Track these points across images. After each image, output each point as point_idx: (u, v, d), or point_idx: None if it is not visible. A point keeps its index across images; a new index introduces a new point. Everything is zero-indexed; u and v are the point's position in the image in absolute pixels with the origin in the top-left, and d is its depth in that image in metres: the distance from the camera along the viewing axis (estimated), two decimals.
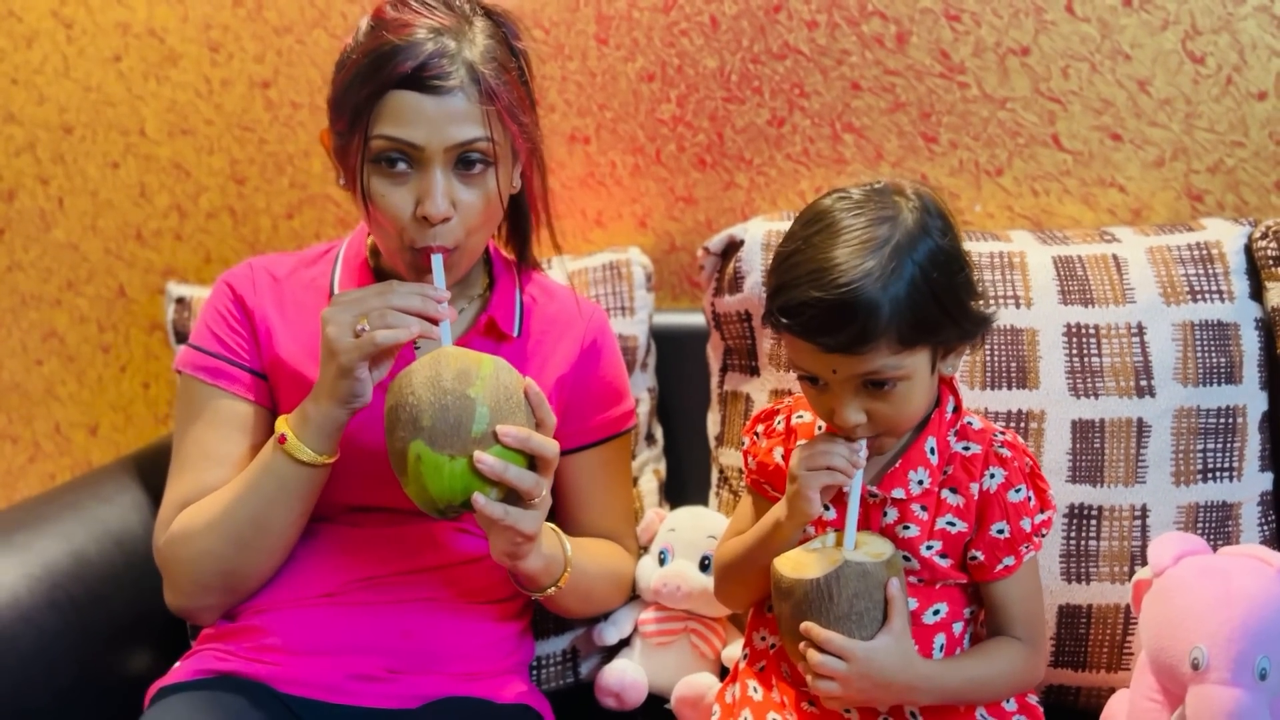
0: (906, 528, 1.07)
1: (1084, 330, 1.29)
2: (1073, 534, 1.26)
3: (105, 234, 1.85)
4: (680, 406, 1.54)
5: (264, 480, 1.11)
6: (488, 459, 0.99)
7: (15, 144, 1.85)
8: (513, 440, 1.00)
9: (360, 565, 1.18)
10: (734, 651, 1.30)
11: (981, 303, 1.06)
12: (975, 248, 1.36)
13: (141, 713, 1.12)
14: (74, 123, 1.82)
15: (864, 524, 1.07)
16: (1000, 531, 1.06)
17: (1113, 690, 1.23)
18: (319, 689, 1.13)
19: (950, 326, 1.02)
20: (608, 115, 1.65)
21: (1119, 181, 1.53)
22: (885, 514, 1.07)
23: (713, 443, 1.48)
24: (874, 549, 1.04)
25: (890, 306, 0.97)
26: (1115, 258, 1.34)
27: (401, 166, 1.09)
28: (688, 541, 1.34)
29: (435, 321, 1.07)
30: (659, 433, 1.52)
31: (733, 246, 1.43)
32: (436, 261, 1.10)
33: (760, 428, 1.18)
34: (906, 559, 1.07)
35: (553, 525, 1.18)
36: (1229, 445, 1.28)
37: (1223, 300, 1.30)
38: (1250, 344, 1.30)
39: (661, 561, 1.34)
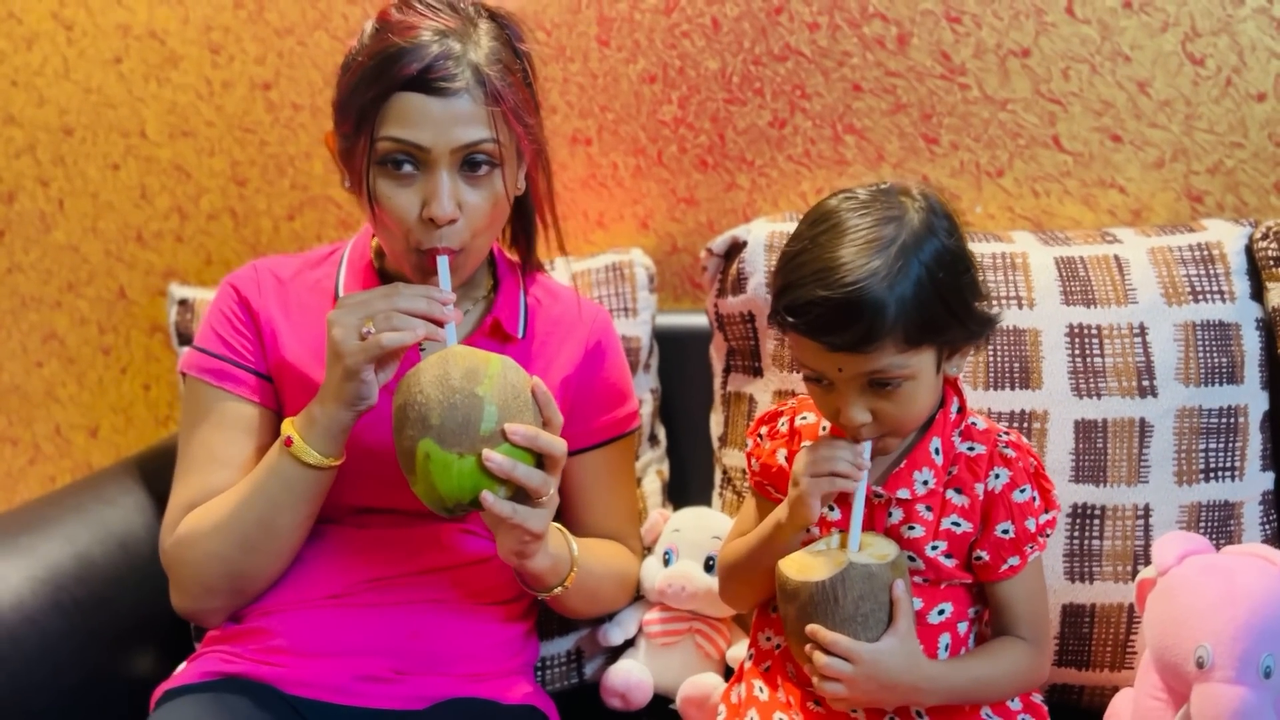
0: (911, 528, 1.07)
1: (1086, 331, 1.30)
2: (1076, 534, 1.27)
3: (106, 236, 1.85)
4: (682, 407, 1.54)
5: (270, 483, 1.11)
6: (496, 457, 0.99)
7: (15, 146, 1.85)
8: (521, 438, 1.00)
9: (366, 567, 1.18)
10: (738, 652, 1.31)
11: (986, 303, 1.06)
12: (977, 249, 1.35)
13: (147, 715, 1.12)
14: (74, 124, 1.82)
15: (869, 525, 1.08)
16: (1005, 532, 1.07)
17: (1116, 689, 1.24)
18: (325, 690, 1.13)
19: (956, 327, 1.02)
20: (609, 117, 1.66)
21: (1119, 182, 1.53)
22: (890, 514, 1.08)
23: (716, 443, 1.48)
24: (879, 550, 1.04)
25: (896, 306, 0.97)
26: (1117, 258, 1.34)
27: (407, 168, 1.09)
28: (692, 542, 1.34)
29: (440, 324, 1.07)
30: (662, 433, 1.53)
31: (736, 248, 1.43)
32: (442, 263, 1.10)
33: (764, 429, 1.18)
34: (911, 559, 1.07)
35: (559, 525, 1.18)
36: (1231, 445, 1.29)
37: (1224, 301, 1.31)
38: (1251, 344, 1.31)
39: (666, 562, 1.34)
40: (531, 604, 1.27)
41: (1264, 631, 1.03)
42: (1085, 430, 1.27)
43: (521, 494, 1.03)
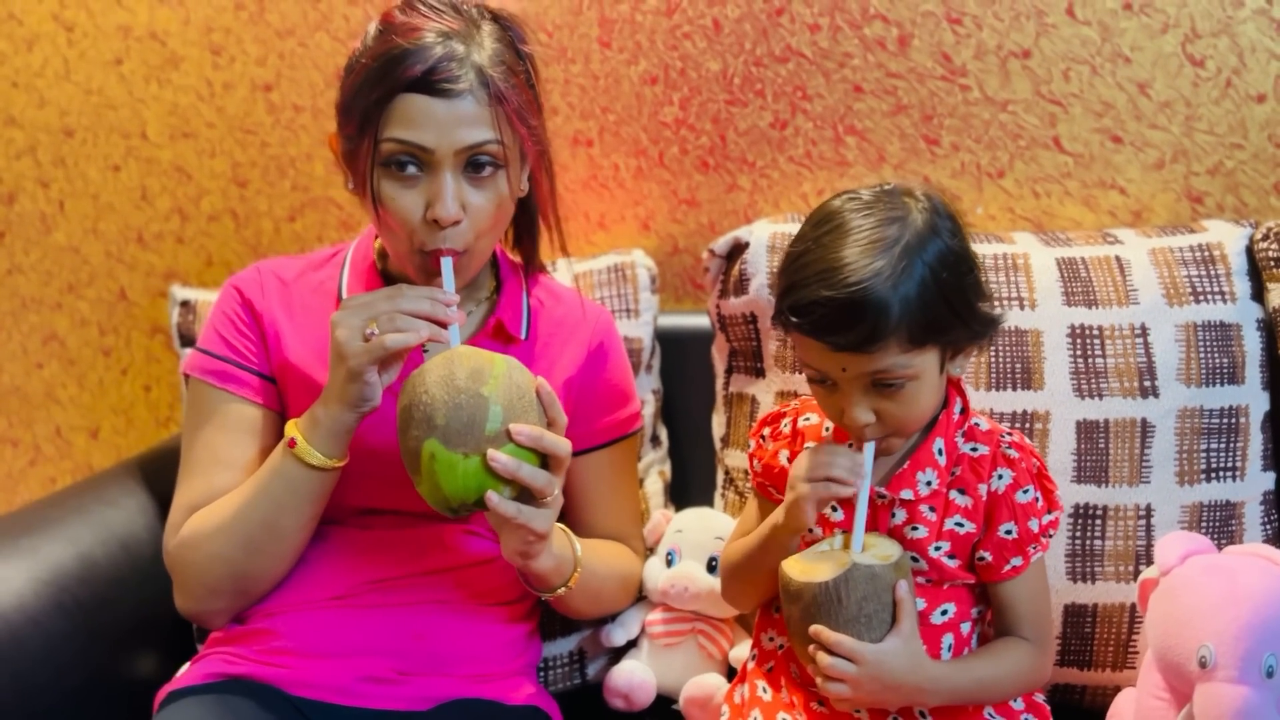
0: (915, 529, 1.07)
1: (1088, 331, 1.30)
2: (1078, 534, 1.27)
3: (106, 237, 1.84)
4: (684, 408, 1.54)
5: (274, 484, 1.12)
6: (501, 457, 0.99)
7: (16, 147, 1.85)
8: (526, 439, 1.01)
9: (370, 568, 1.18)
10: (741, 652, 1.31)
11: (989, 304, 1.06)
12: (979, 249, 1.35)
13: (149, 716, 1.12)
14: (75, 126, 1.82)
15: (872, 525, 1.08)
16: (1008, 532, 1.07)
17: (1118, 689, 1.24)
18: (329, 691, 1.13)
19: (959, 327, 1.03)
20: (610, 118, 1.66)
21: (1119, 183, 1.54)
22: (893, 515, 1.08)
23: (718, 444, 1.48)
24: (882, 551, 1.04)
25: (900, 306, 0.98)
26: (1118, 259, 1.34)
27: (411, 170, 1.09)
28: (695, 543, 1.34)
29: (444, 325, 1.07)
30: (663, 434, 1.53)
31: (738, 249, 1.43)
32: (446, 264, 1.10)
33: (767, 430, 1.18)
34: (915, 560, 1.07)
35: (562, 526, 1.18)
36: (1232, 445, 1.29)
37: (1225, 301, 1.31)
38: (1252, 345, 1.31)
39: (669, 563, 1.35)
40: (534, 605, 1.27)
41: (1267, 631, 1.03)
42: (1087, 431, 1.28)
43: (526, 494, 1.03)
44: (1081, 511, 1.27)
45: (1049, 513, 1.09)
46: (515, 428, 1.00)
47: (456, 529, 1.21)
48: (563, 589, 1.16)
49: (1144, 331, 1.29)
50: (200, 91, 1.77)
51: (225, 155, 1.78)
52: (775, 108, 1.61)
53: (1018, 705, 1.10)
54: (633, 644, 1.36)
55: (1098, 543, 1.27)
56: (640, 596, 1.36)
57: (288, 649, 1.14)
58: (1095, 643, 1.28)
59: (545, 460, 1.03)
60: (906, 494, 1.07)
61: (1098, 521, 1.27)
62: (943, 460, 1.08)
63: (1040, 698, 1.14)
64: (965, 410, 1.11)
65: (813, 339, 1.00)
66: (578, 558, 1.17)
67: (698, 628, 1.34)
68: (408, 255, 1.13)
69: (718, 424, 1.48)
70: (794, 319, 1.00)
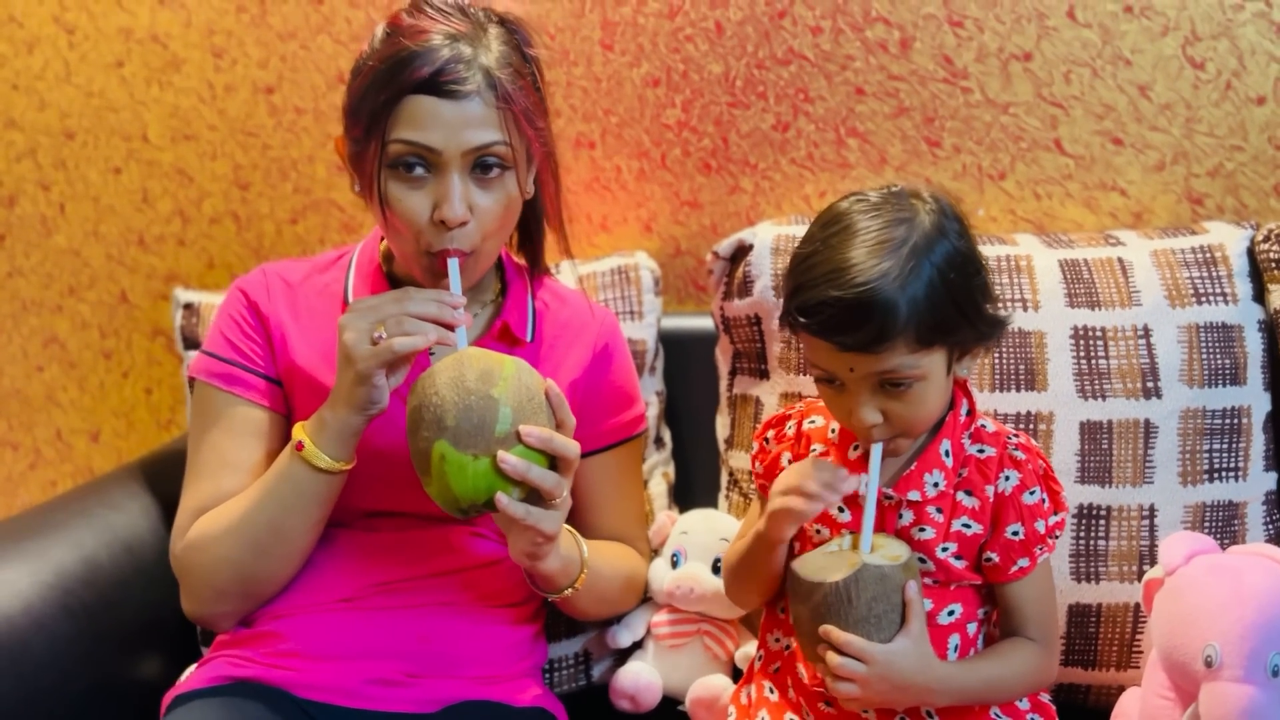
0: (922, 530, 1.08)
1: (1091, 333, 1.31)
2: (1082, 534, 1.28)
3: (107, 240, 1.84)
4: (688, 409, 1.55)
5: (281, 487, 1.12)
6: (511, 459, 0.99)
7: (16, 149, 1.84)
8: (535, 440, 1.01)
9: (377, 570, 1.18)
10: (747, 653, 1.31)
11: (996, 305, 1.07)
12: (982, 251, 1.37)
13: (157, 719, 1.12)
14: (76, 128, 1.82)
15: (879, 526, 1.08)
16: (1015, 533, 1.07)
17: (1123, 689, 1.24)
18: (336, 694, 1.13)
19: (966, 328, 1.03)
20: (613, 120, 1.66)
21: (1120, 185, 1.54)
22: (901, 516, 1.08)
23: (722, 445, 1.48)
24: (890, 551, 1.05)
25: (908, 306, 0.98)
26: (1120, 261, 1.35)
27: (419, 171, 1.09)
28: (700, 544, 1.34)
29: (451, 327, 1.07)
30: (667, 436, 1.53)
31: (742, 251, 1.44)
32: (453, 265, 1.10)
33: (771, 433, 1.19)
34: (922, 561, 1.08)
35: (569, 527, 1.18)
36: (1234, 446, 1.30)
37: (1226, 303, 1.32)
38: (1254, 346, 1.32)
39: (674, 564, 1.35)
40: (540, 606, 1.27)
41: (1272, 630, 1.03)
42: (1090, 431, 1.28)
43: (534, 495, 1.03)
44: (1085, 512, 1.28)
45: (1055, 514, 1.09)
46: (525, 429, 1.00)
47: (463, 531, 1.21)
48: (569, 590, 1.16)
49: (1146, 333, 1.30)
50: (202, 94, 1.77)
51: (227, 158, 1.78)
52: (777, 110, 1.61)
53: (1023, 705, 1.11)
54: (638, 645, 1.37)
55: (1102, 543, 1.27)
56: (646, 598, 1.36)
57: (295, 651, 1.14)
58: (1100, 642, 1.28)
59: (554, 462, 1.04)
60: (914, 495, 1.07)
61: (1101, 522, 1.27)
62: (950, 462, 1.08)
63: (1046, 697, 1.14)
64: (972, 412, 1.11)
65: (821, 339, 1.01)
66: (584, 559, 1.17)
67: (703, 629, 1.35)
68: (414, 257, 1.13)
69: (721, 426, 1.49)
70: (802, 319, 1.01)
